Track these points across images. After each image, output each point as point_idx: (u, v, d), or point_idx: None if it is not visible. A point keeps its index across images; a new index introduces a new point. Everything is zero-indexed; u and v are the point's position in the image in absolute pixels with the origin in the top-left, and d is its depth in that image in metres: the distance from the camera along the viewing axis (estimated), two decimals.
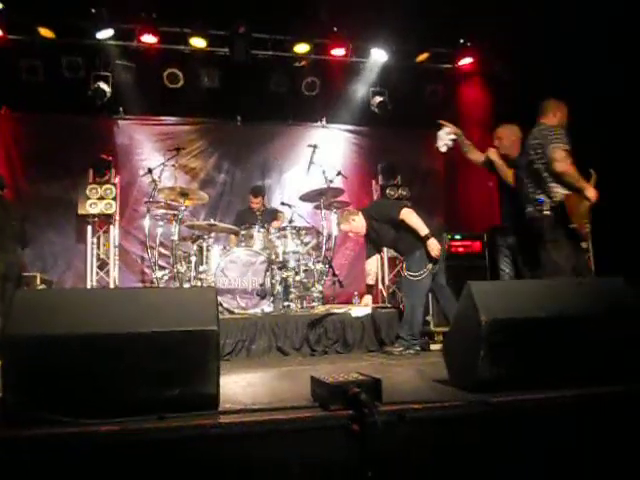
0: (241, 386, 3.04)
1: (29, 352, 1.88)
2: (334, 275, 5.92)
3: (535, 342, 2.37)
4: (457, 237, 7.05)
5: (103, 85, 6.88)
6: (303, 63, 7.41)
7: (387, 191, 7.65)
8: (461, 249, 7.03)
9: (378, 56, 7.28)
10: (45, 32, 6.55)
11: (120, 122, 7.59)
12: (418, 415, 2.09)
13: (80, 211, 6.90)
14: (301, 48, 7.17)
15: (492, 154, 5.00)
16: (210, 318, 2.00)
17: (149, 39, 6.79)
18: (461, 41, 7.34)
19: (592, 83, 5.97)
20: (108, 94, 6.97)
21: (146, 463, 1.78)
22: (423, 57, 7.42)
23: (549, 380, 2.30)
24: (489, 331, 2.28)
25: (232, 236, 6.23)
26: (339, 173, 6.25)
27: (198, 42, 6.93)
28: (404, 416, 2.05)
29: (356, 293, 6.48)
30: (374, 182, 8.02)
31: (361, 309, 5.31)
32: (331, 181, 5.95)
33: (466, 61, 7.57)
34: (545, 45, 6.35)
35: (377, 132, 8.15)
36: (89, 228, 7.03)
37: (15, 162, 7.20)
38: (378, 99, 7.53)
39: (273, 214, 6.67)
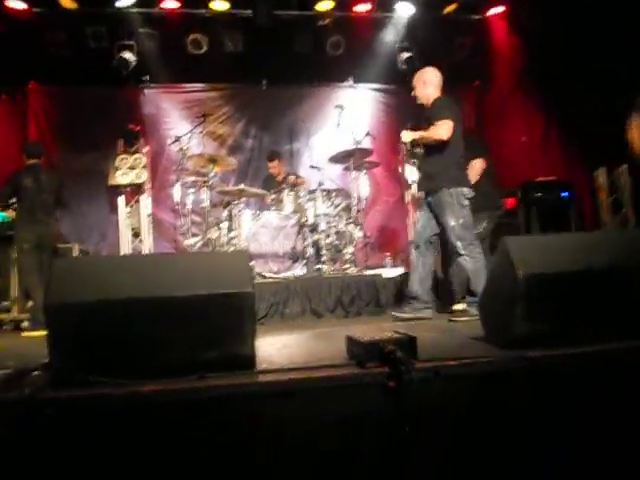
0: (276, 348, 3.09)
1: (71, 318, 1.94)
2: (366, 237, 5.91)
3: (572, 296, 2.32)
4: None
5: (127, 54, 6.86)
6: (327, 21, 7.22)
7: (414, 150, 7.50)
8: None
9: (404, 10, 7.05)
10: (67, 3, 6.53)
11: (146, 91, 7.59)
12: (454, 371, 2.09)
13: (111, 182, 6.99)
14: (324, 5, 6.98)
15: None
16: (245, 280, 2.02)
17: (171, 4, 6.72)
18: None
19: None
20: (133, 63, 6.96)
21: (186, 421, 1.83)
22: (450, 8, 7.14)
23: (587, 335, 2.26)
24: (526, 286, 2.25)
25: (262, 201, 6.23)
26: (367, 133, 6.16)
27: (220, 5, 6.82)
28: (440, 372, 2.05)
29: (388, 254, 6.47)
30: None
31: (394, 270, 5.32)
32: (359, 142, 5.89)
33: (496, 11, 7.27)
34: None
35: (405, 90, 7.91)
36: (121, 198, 7.13)
37: (46, 136, 7.30)
38: (405, 55, 7.32)
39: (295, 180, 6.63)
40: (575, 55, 6.63)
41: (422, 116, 4.49)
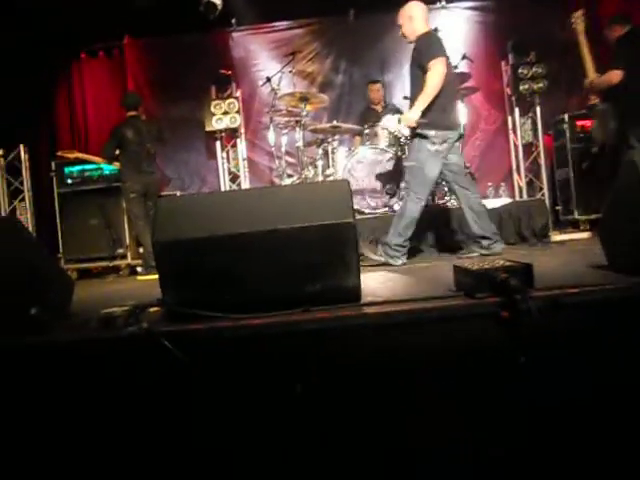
0: (380, 282, 3.04)
1: (178, 255, 1.98)
2: (465, 167, 5.63)
3: None
4: None
5: None
6: None
7: (519, 70, 6.94)
8: None
9: None
10: None
11: (234, 35, 7.54)
12: (575, 300, 1.93)
13: (207, 128, 7.11)
14: None
15: None
16: (346, 211, 1.96)
17: None
18: None
19: None
20: (219, 7, 6.89)
21: (294, 353, 1.83)
22: None
23: None
24: None
25: (356, 137, 6.10)
26: (464, 57, 5.78)
27: None
28: (560, 301, 1.90)
29: (490, 185, 6.16)
30: (504, 63, 7.30)
31: (497, 200, 5.05)
32: (456, 67, 5.54)
33: None
34: None
35: (504, 5, 7.29)
36: (218, 144, 7.27)
37: (143, 88, 7.52)
38: None
39: (396, 111, 6.38)
40: None
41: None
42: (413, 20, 4.20)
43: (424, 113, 3.86)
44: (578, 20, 4.69)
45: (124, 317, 2.03)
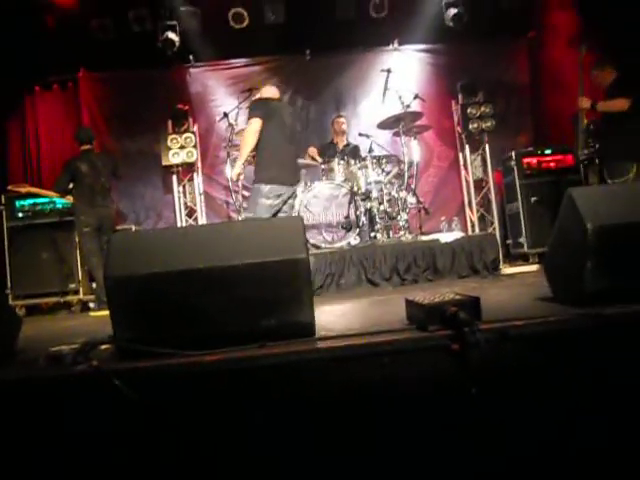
0: (335, 315, 3.07)
1: (130, 291, 1.96)
2: (419, 203, 5.79)
3: None
4: (547, 152, 6.68)
5: (171, 35, 6.88)
6: None
7: (468, 110, 7.24)
8: (552, 164, 6.67)
9: None
10: None
11: (192, 70, 7.62)
12: (522, 331, 1.99)
13: (164, 162, 7.10)
14: None
15: None
16: (299, 246, 1.99)
17: None
18: None
19: None
20: (177, 43, 6.98)
21: (249, 389, 1.83)
22: None
23: None
24: (596, 239, 2.11)
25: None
26: (416, 96, 5.98)
27: None
28: (507, 333, 1.97)
29: (443, 219, 6.33)
30: (454, 102, 7.61)
31: (450, 235, 5.19)
32: (408, 106, 5.74)
33: None
34: None
35: (454, 48, 7.65)
36: (174, 178, 7.25)
37: (98, 122, 7.47)
38: (452, 11, 7.01)
39: (355, 150, 6.51)
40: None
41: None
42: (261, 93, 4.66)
43: (259, 168, 4.27)
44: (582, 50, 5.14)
45: (73, 355, 1.99)
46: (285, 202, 4.30)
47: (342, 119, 6.73)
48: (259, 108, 4.31)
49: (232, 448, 1.83)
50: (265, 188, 4.16)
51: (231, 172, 4.49)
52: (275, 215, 4.22)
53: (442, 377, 1.95)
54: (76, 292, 5.93)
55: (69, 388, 1.85)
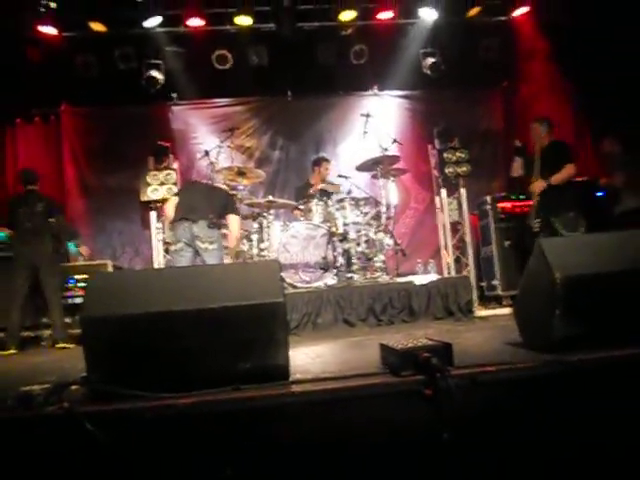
0: (310, 357, 3.08)
1: (106, 331, 1.96)
2: (396, 244, 5.87)
3: (614, 297, 2.25)
4: (522, 197, 6.85)
5: (155, 73, 7.01)
6: (350, 31, 7.25)
7: (444, 155, 7.44)
8: (526, 209, 6.81)
9: (427, 15, 7.03)
10: (96, 26, 6.72)
11: (174, 108, 7.72)
12: (492, 377, 2.04)
13: (143, 198, 7.10)
14: (347, 15, 7.01)
15: None
16: (276, 290, 2.02)
17: (196, 22, 6.85)
18: None
19: None
20: (161, 81, 7.11)
21: (224, 432, 1.82)
22: (474, 12, 7.10)
23: (631, 337, 2.19)
24: (564, 289, 2.19)
25: (296, 211, 6.22)
26: (394, 140, 6.14)
27: (244, 20, 6.91)
28: (477, 379, 2.01)
29: (419, 261, 6.42)
30: (430, 147, 7.82)
31: (426, 277, 5.27)
32: (386, 149, 5.88)
33: (521, 11, 7.19)
34: None
35: (431, 95, 7.92)
36: (153, 214, 7.24)
37: (79, 156, 7.50)
38: (430, 60, 7.29)
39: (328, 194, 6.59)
40: (606, 51, 6.50)
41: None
42: None
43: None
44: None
45: (44, 395, 1.96)
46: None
47: (330, 164, 6.76)
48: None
49: None
50: None
51: None
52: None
53: (415, 422, 1.98)
54: (48, 326, 5.81)
55: (39, 430, 1.82)
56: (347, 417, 1.96)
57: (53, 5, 6.42)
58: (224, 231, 5.27)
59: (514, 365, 2.08)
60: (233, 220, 5.16)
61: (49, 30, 6.62)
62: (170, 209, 5.16)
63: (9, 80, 6.61)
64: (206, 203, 4.99)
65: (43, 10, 6.40)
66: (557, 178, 5.10)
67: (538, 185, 5.19)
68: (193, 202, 5.01)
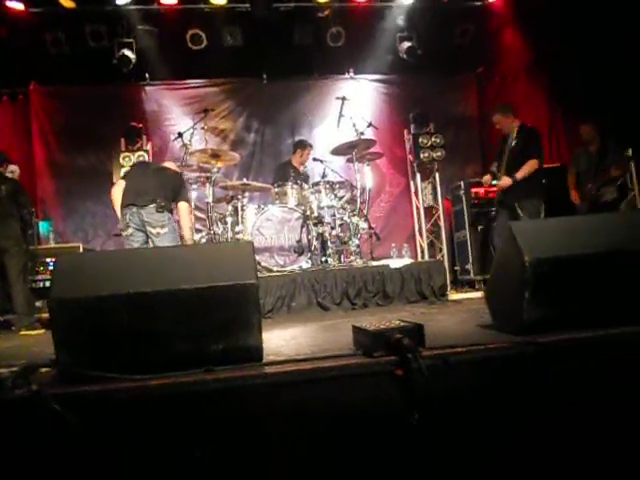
0: (284, 339, 3.08)
1: (75, 313, 1.93)
2: (370, 228, 5.89)
3: (583, 280, 2.30)
4: (494, 182, 6.89)
5: (127, 52, 6.86)
6: (326, 13, 7.19)
7: (420, 139, 7.46)
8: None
9: None
10: (66, 2, 6.53)
11: (147, 88, 7.59)
12: (462, 358, 2.07)
13: (115, 180, 6.97)
14: None
15: None
16: (249, 271, 2.00)
17: (169, 0, 6.69)
18: None
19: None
20: (133, 61, 6.96)
21: (196, 414, 1.82)
22: None
23: (599, 319, 2.23)
24: (533, 271, 2.22)
25: (272, 191, 6.15)
26: (370, 124, 6.13)
27: None
28: (448, 359, 2.03)
29: (394, 245, 6.45)
30: (406, 131, 7.83)
31: (400, 261, 5.30)
32: (362, 133, 5.86)
33: None
34: None
35: (407, 80, 7.92)
36: None
37: (49, 136, 7.33)
38: (406, 45, 7.28)
39: (307, 177, 6.57)
40: (579, 38, 6.57)
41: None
42: None
43: None
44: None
45: (12, 378, 1.93)
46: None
47: (310, 149, 6.73)
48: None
49: (175, 476, 1.81)
50: None
51: None
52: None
53: (386, 402, 2.00)
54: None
55: (7, 412, 1.79)
56: (320, 398, 1.97)
57: None
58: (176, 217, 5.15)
59: (485, 346, 2.12)
60: (182, 208, 5.05)
61: (16, 5, 6.41)
62: (117, 194, 5.00)
63: None
64: (154, 186, 4.86)
65: None
66: (521, 174, 5.24)
67: (504, 183, 5.33)
68: (140, 186, 4.87)
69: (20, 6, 6.43)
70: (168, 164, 5.50)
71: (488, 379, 2.10)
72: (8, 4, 6.36)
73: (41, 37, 6.75)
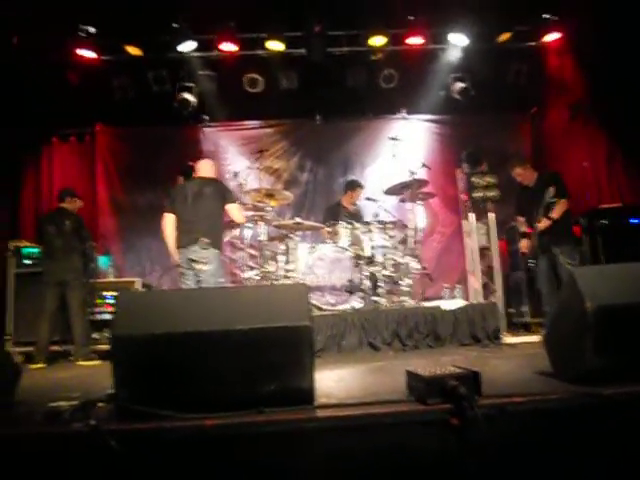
0: (334, 381, 3.06)
1: (136, 351, 1.98)
2: (423, 268, 5.83)
3: None
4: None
5: (188, 95, 7.15)
6: (379, 56, 7.31)
7: (472, 179, 7.37)
8: None
9: (457, 41, 7.04)
10: (132, 50, 6.92)
11: (205, 130, 7.87)
12: (520, 408, 2.00)
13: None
14: (377, 41, 7.06)
15: None
16: (303, 313, 2.02)
17: (228, 47, 6.98)
18: (546, 16, 6.94)
19: None
20: (193, 104, 7.24)
21: (248, 455, 1.82)
22: (505, 37, 7.09)
23: None
24: (595, 319, 2.14)
25: (324, 230, 6.19)
26: (423, 164, 6.14)
27: (276, 45, 7.02)
28: (505, 409, 1.97)
29: (446, 286, 6.35)
30: (459, 171, 7.76)
31: (452, 302, 5.21)
32: (414, 173, 5.86)
33: (552, 37, 7.15)
34: None
35: (459, 119, 7.91)
36: None
37: (112, 174, 7.69)
38: (459, 85, 7.29)
39: (360, 214, 6.58)
40: (636, 77, 6.43)
41: None
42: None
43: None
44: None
45: (71, 412, 1.99)
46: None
47: (362, 190, 6.74)
48: (166, 200, 5.13)
49: None
50: None
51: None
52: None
53: (441, 451, 1.94)
54: None
55: (66, 446, 1.84)
56: (371, 445, 1.94)
57: (92, 30, 6.64)
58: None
59: (543, 396, 2.04)
60: (231, 210, 4.99)
61: (88, 53, 6.83)
62: (167, 228, 4.94)
63: (48, 100, 6.84)
64: (198, 220, 4.78)
65: (83, 35, 6.62)
66: (556, 214, 5.29)
67: (543, 225, 5.33)
68: (185, 225, 4.82)
69: (92, 54, 6.85)
70: (204, 167, 5.34)
71: (547, 431, 2.02)
72: (80, 52, 6.79)
73: (108, 82, 7.14)
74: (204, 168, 5.29)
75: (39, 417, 2.02)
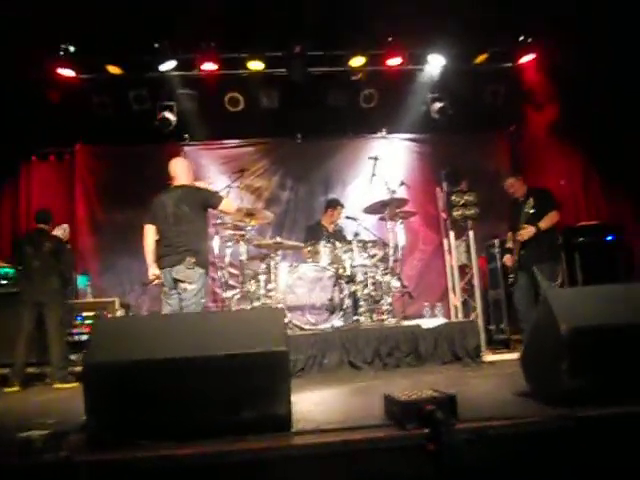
0: (314, 403, 3.03)
1: (108, 378, 1.96)
2: (403, 287, 5.84)
3: (621, 350, 2.22)
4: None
5: (168, 114, 7.14)
6: (360, 76, 7.38)
7: (452, 197, 7.45)
8: None
9: (435, 62, 7.15)
10: (112, 69, 6.89)
11: (186, 148, 7.84)
12: (497, 432, 2.00)
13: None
14: (357, 61, 7.14)
15: None
16: (279, 339, 2.01)
17: (209, 67, 6.99)
18: (521, 38, 7.10)
19: None
20: (173, 122, 7.23)
21: None
22: (482, 58, 7.21)
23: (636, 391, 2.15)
24: (570, 340, 2.16)
25: (304, 250, 6.18)
26: (402, 183, 6.19)
27: (256, 65, 7.06)
28: (482, 434, 1.97)
29: (426, 304, 6.37)
30: (438, 189, 7.83)
31: (433, 320, 5.23)
32: (394, 191, 5.91)
33: (528, 58, 7.31)
34: (614, 32, 6.08)
35: (439, 139, 8.01)
36: None
37: (91, 194, 7.62)
38: (438, 105, 7.39)
39: (341, 233, 6.58)
40: (611, 96, 6.59)
41: None
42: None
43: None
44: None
45: (42, 442, 1.94)
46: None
47: (342, 209, 6.70)
48: (146, 214, 4.93)
49: None
50: None
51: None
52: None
53: (418, 478, 1.94)
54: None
55: (37, 478, 1.80)
56: (349, 471, 1.92)
57: (72, 49, 6.62)
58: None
59: (520, 420, 2.05)
60: (224, 207, 4.86)
61: (68, 72, 6.79)
62: (146, 242, 4.79)
63: (27, 118, 6.78)
64: (181, 238, 4.58)
65: (62, 53, 6.59)
66: (544, 224, 5.26)
67: (527, 232, 5.29)
68: (167, 246, 4.62)
69: (71, 73, 6.81)
70: (179, 171, 5.13)
71: (525, 455, 2.02)
72: (60, 71, 6.75)
73: (88, 100, 7.09)
74: (180, 173, 5.07)
75: (9, 448, 1.97)
